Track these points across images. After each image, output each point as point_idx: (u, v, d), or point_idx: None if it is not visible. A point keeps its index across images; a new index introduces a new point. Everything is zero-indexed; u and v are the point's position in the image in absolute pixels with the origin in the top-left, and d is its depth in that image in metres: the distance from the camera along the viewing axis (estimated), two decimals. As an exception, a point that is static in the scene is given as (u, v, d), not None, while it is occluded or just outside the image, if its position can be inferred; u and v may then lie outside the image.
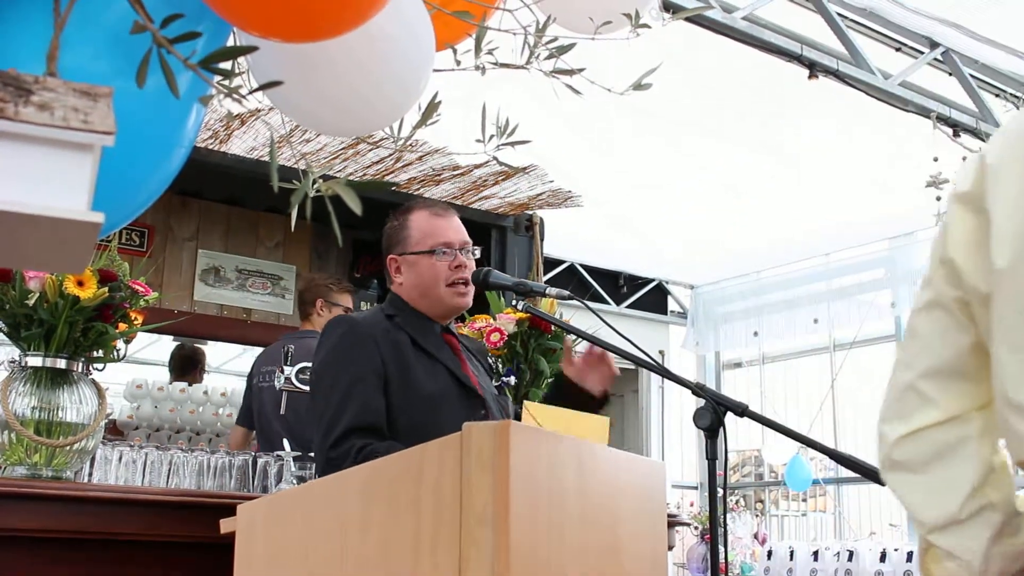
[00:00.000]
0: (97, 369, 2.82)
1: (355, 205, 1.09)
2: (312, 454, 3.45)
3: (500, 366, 2.94)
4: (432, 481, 1.67)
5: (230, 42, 1.50)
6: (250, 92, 1.21)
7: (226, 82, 1.21)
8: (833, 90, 5.45)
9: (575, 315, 4.08)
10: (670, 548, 4.95)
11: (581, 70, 2.00)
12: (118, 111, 1.00)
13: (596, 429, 2.33)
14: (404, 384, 2.52)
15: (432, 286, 2.68)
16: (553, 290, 2.71)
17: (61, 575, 2.46)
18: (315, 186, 1.30)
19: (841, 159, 6.63)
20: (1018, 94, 5.86)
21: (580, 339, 2.79)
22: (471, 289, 2.73)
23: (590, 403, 2.68)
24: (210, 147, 5.48)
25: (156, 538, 2.55)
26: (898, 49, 5.67)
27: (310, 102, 1.55)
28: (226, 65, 1.17)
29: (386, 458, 1.78)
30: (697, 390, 2.47)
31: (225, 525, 2.02)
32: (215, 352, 8.39)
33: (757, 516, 8.96)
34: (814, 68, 5.20)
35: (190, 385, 6.04)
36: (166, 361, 7.42)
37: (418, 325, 2.68)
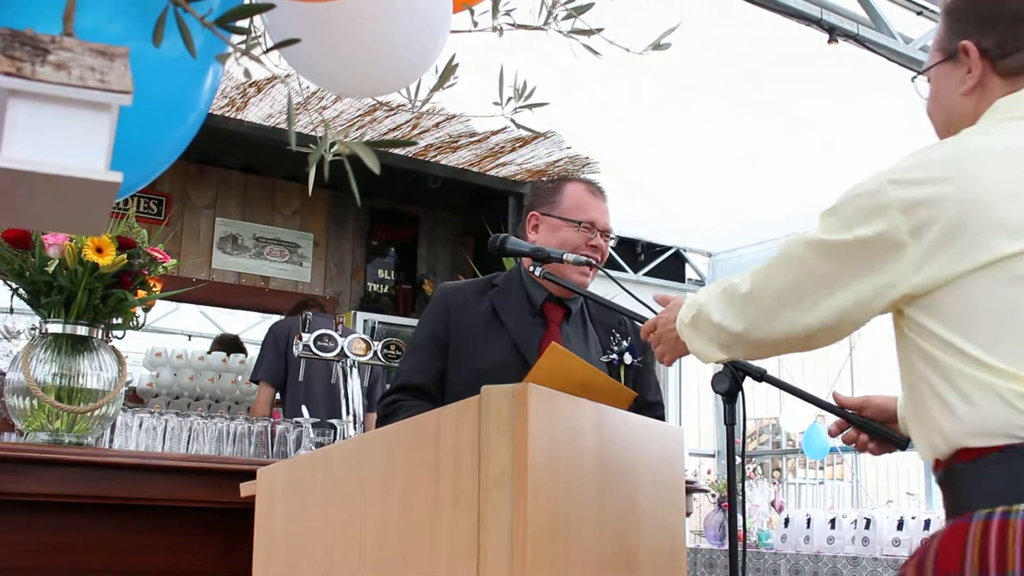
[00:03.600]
0: (117, 337, 2.83)
1: (373, 164, 1.08)
2: (329, 420, 3.49)
3: (624, 342, 2.84)
4: (450, 444, 1.67)
5: (246, 1, 1.49)
6: (266, 51, 1.20)
7: (241, 41, 1.21)
8: (853, 55, 5.40)
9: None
10: (687, 515, 4.96)
11: (600, 30, 1.98)
12: (134, 72, 1.00)
13: (616, 397, 2.28)
14: (461, 354, 2.63)
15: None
16: (571, 255, 2.69)
17: (83, 540, 2.48)
18: (333, 148, 1.29)
19: (860, 125, 6.58)
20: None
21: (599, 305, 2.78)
22: (594, 273, 2.74)
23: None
24: (227, 115, 5.48)
25: (176, 503, 2.57)
26: (919, 13, 5.60)
27: (326, 63, 1.54)
28: (243, 23, 1.16)
29: (405, 421, 1.79)
30: (717, 356, 2.46)
31: (245, 489, 2.04)
32: (232, 320, 8.43)
33: (774, 484, 8.96)
34: (834, 33, 5.14)
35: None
36: (185, 330, 7.47)
37: (512, 295, 2.74)
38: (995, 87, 1.65)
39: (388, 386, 2.74)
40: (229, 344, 6.78)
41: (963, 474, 1.47)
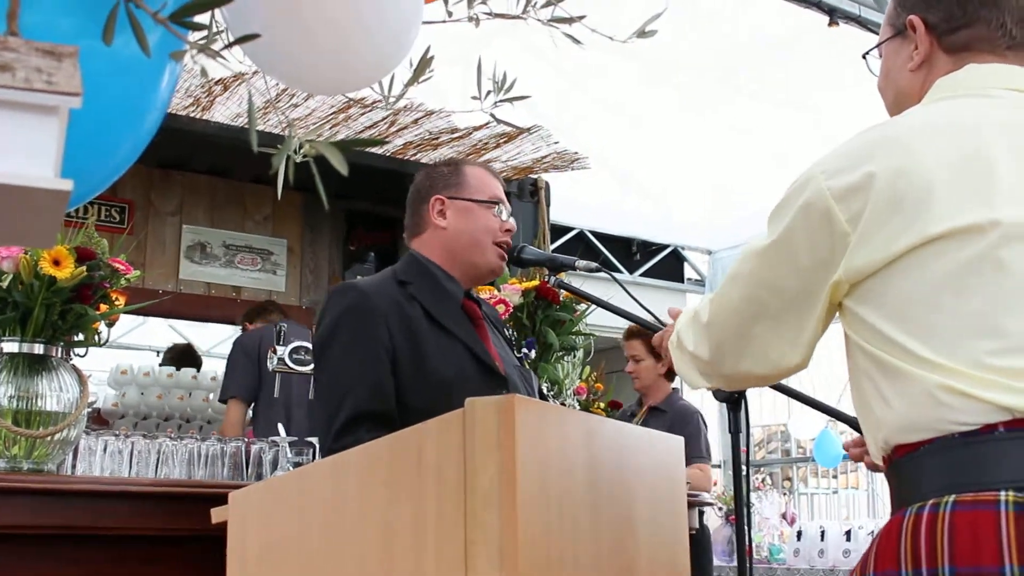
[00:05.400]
0: (78, 355, 2.82)
1: (341, 166, 1.08)
2: (307, 439, 3.47)
3: (515, 336, 2.95)
4: (433, 462, 1.67)
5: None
6: (226, 47, 1.20)
7: (202, 38, 1.20)
8: (856, 38, 5.41)
9: (584, 283, 4.07)
10: (692, 530, 4.95)
11: (581, 18, 1.98)
12: (85, 72, 1.00)
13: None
14: (415, 366, 2.46)
15: (483, 238, 2.67)
16: (582, 262, 2.74)
17: (46, 573, 2.47)
18: (300, 149, 1.29)
19: (866, 113, 6.57)
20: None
21: (596, 308, 2.83)
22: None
23: None
24: (192, 114, 5.46)
25: (145, 531, 2.56)
26: (925, -9, 5.61)
27: (291, 58, 1.54)
28: (202, 19, 1.16)
29: (383, 439, 1.78)
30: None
31: (216, 514, 2.03)
32: (203, 334, 8.41)
33: (785, 494, 8.98)
34: (834, 15, 5.16)
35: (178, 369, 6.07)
36: (152, 346, 7.45)
37: (436, 293, 2.62)
38: (941, 63, 1.72)
39: (332, 415, 2.44)
40: (181, 355, 6.75)
41: (899, 470, 1.55)
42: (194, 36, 1.27)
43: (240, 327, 6.19)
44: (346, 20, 1.50)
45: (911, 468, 1.52)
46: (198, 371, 6.28)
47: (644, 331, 5.38)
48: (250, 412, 5.61)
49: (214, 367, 6.62)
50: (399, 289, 2.59)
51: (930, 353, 1.48)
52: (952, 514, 1.42)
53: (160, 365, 6.55)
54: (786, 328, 1.68)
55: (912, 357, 1.49)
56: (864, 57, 1.92)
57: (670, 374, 5.54)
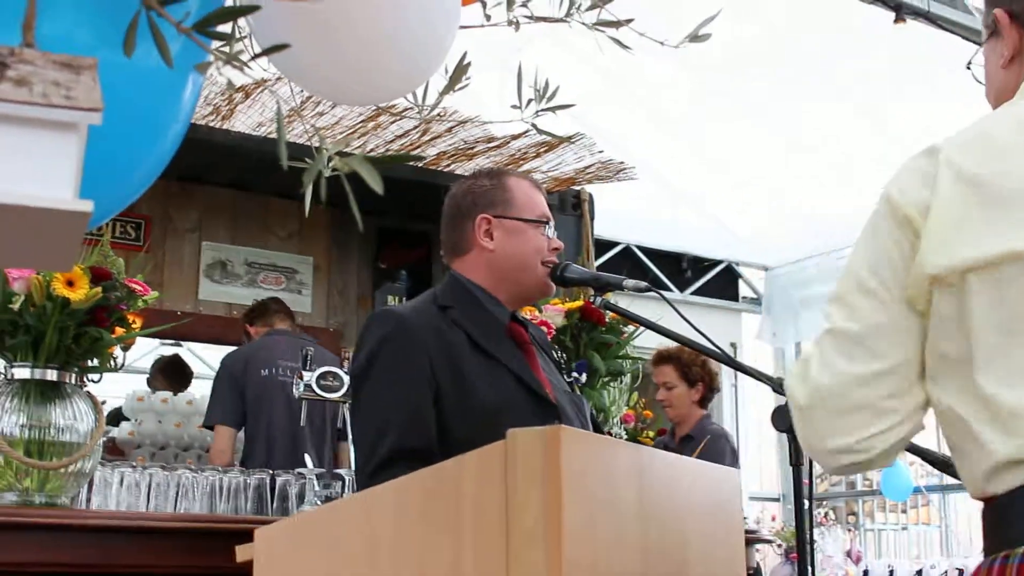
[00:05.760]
0: (93, 380, 2.84)
1: (376, 183, 1.09)
2: (336, 471, 3.48)
3: (566, 360, 2.92)
4: (472, 497, 1.66)
5: (228, 3, 1.50)
6: (253, 58, 1.21)
7: (226, 48, 1.22)
8: (925, 36, 5.38)
9: (632, 303, 4.07)
10: (750, 570, 4.93)
11: (629, 21, 1.98)
12: (104, 85, 1.01)
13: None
14: (460, 395, 2.47)
15: (532, 259, 2.67)
16: (630, 282, 2.72)
17: (59, 614, 2.49)
18: (330, 163, 1.30)
19: (936, 117, 6.55)
20: None
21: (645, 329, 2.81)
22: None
23: None
24: (211, 124, 5.49)
25: (164, 570, 2.57)
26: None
27: (320, 67, 1.55)
28: (225, 28, 1.17)
29: (420, 472, 1.78)
30: (778, 387, 2.45)
31: (241, 552, 2.03)
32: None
33: (850, 530, 8.91)
34: (900, 11, 5.13)
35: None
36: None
37: (480, 317, 2.62)
38: None
39: (369, 453, 2.42)
40: (170, 369, 6.75)
41: (985, 518, 1.53)
42: (215, 44, 1.28)
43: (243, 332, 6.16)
44: (380, 26, 1.51)
45: (993, 517, 1.50)
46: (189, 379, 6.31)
47: (675, 355, 5.37)
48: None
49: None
50: (440, 314, 2.59)
51: (1007, 392, 1.44)
52: (1020, 566, 1.40)
53: (148, 381, 6.56)
54: (907, 383, 1.59)
55: (981, 397, 1.46)
56: (968, 67, 1.87)
57: (703, 400, 5.45)
